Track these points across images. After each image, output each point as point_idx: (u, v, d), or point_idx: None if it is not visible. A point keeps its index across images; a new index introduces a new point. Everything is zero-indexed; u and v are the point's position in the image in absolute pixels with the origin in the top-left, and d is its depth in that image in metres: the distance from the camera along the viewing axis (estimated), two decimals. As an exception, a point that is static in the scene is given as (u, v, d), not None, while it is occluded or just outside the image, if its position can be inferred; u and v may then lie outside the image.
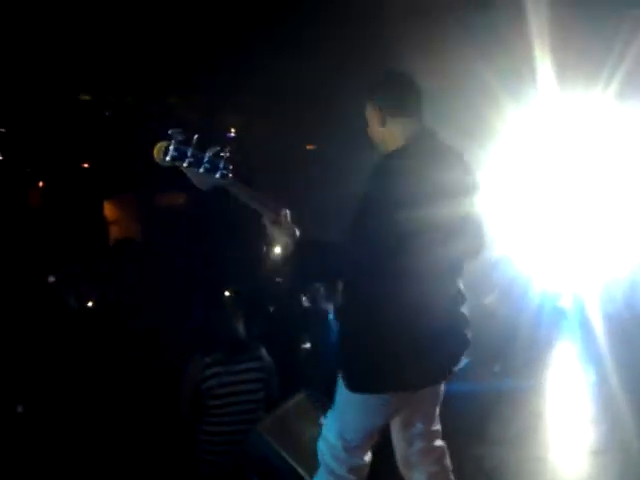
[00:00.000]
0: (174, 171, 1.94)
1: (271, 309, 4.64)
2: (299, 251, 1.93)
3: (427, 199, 1.86)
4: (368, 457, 2.13)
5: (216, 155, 1.89)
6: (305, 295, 4.52)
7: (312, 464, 2.77)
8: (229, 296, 3.84)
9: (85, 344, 3.44)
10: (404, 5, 5.23)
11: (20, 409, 3.11)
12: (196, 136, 1.88)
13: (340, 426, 2.06)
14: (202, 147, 1.91)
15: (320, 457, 2.12)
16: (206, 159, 1.88)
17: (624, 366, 4.25)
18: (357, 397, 1.99)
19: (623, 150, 5.37)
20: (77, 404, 3.15)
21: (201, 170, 1.88)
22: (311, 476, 2.71)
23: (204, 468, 3.07)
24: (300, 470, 2.68)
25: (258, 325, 3.78)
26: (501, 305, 5.31)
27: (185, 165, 1.88)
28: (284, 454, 2.66)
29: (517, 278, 5.40)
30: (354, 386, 1.99)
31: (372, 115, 2.06)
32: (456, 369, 2.10)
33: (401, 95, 2.03)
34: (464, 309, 2.06)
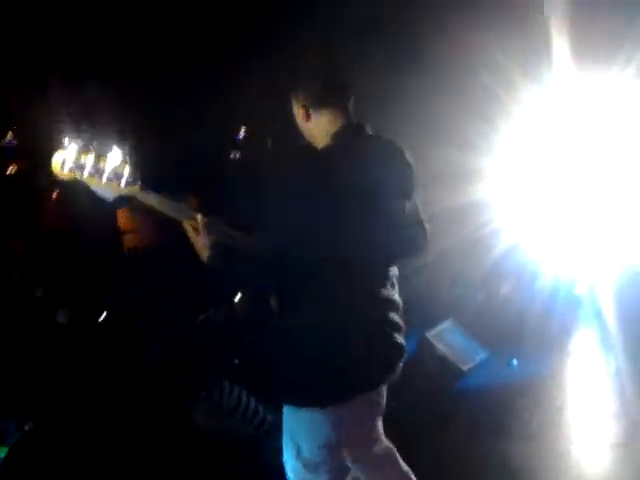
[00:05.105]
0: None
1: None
2: (216, 257, 1.84)
3: (351, 197, 1.81)
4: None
5: (119, 162, 1.80)
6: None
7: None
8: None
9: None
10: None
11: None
12: (94, 143, 1.80)
13: (294, 445, 1.99)
14: (103, 154, 1.80)
15: None
16: (108, 167, 1.79)
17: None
18: (300, 413, 1.93)
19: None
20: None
21: (103, 180, 1.79)
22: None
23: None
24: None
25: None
26: (513, 295, 5.29)
27: (85, 176, 1.78)
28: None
29: (527, 265, 5.36)
30: (295, 401, 1.93)
31: (296, 110, 2.00)
32: (392, 377, 2.01)
33: (323, 89, 1.94)
34: (395, 316, 1.97)
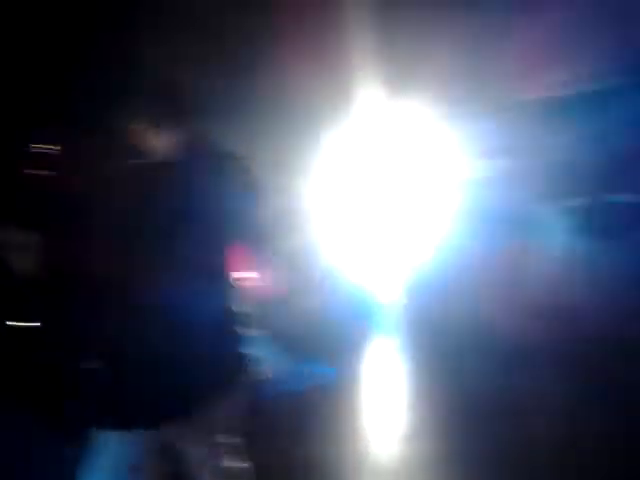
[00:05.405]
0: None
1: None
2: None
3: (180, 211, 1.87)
4: None
5: None
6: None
7: None
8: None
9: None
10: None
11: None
12: None
13: (104, 468, 1.90)
14: None
15: None
16: None
17: (437, 356, 4.59)
18: (104, 435, 1.87)
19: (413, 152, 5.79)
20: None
21: None
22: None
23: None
24: None
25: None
26: (317, 305, 5.45)
27: None
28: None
29: (330, 278, 5.57)
30: (97, 423, 1.87)
31: (139, 130, 2.01)
32: (230, 386, 2.02)
33: (167, 109, 2.01)
34: (233, 325, 2.03)
